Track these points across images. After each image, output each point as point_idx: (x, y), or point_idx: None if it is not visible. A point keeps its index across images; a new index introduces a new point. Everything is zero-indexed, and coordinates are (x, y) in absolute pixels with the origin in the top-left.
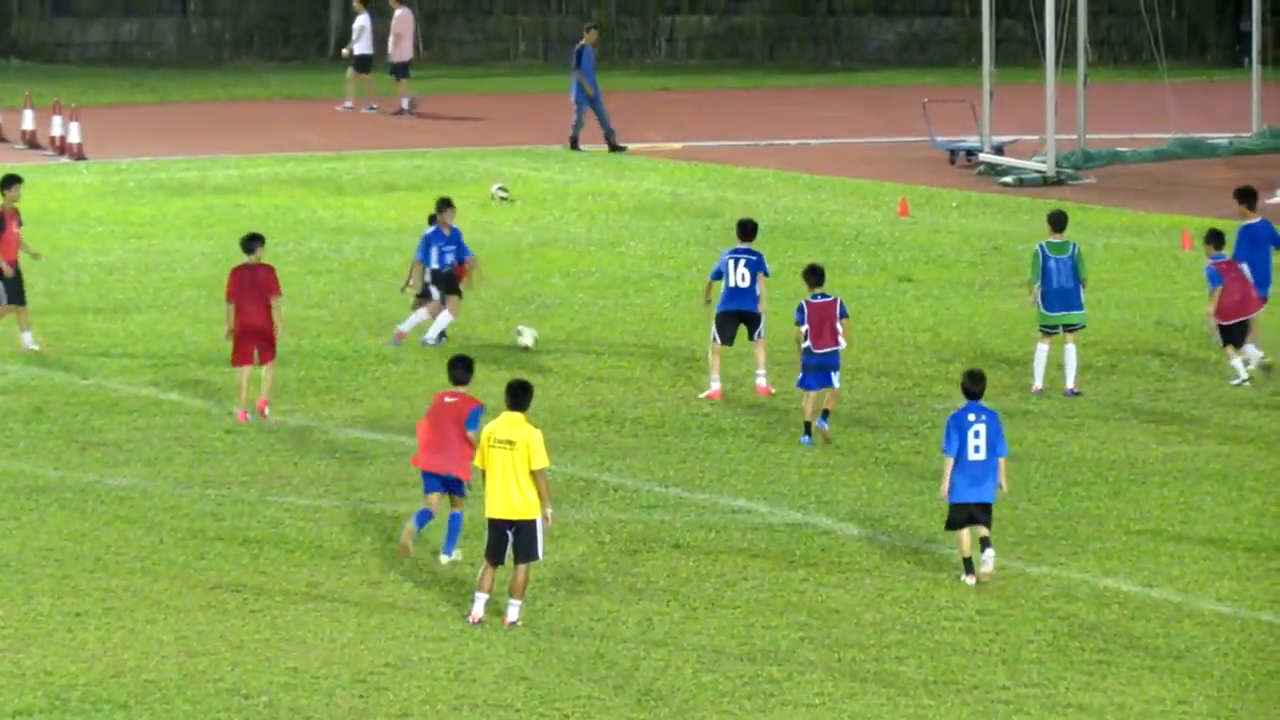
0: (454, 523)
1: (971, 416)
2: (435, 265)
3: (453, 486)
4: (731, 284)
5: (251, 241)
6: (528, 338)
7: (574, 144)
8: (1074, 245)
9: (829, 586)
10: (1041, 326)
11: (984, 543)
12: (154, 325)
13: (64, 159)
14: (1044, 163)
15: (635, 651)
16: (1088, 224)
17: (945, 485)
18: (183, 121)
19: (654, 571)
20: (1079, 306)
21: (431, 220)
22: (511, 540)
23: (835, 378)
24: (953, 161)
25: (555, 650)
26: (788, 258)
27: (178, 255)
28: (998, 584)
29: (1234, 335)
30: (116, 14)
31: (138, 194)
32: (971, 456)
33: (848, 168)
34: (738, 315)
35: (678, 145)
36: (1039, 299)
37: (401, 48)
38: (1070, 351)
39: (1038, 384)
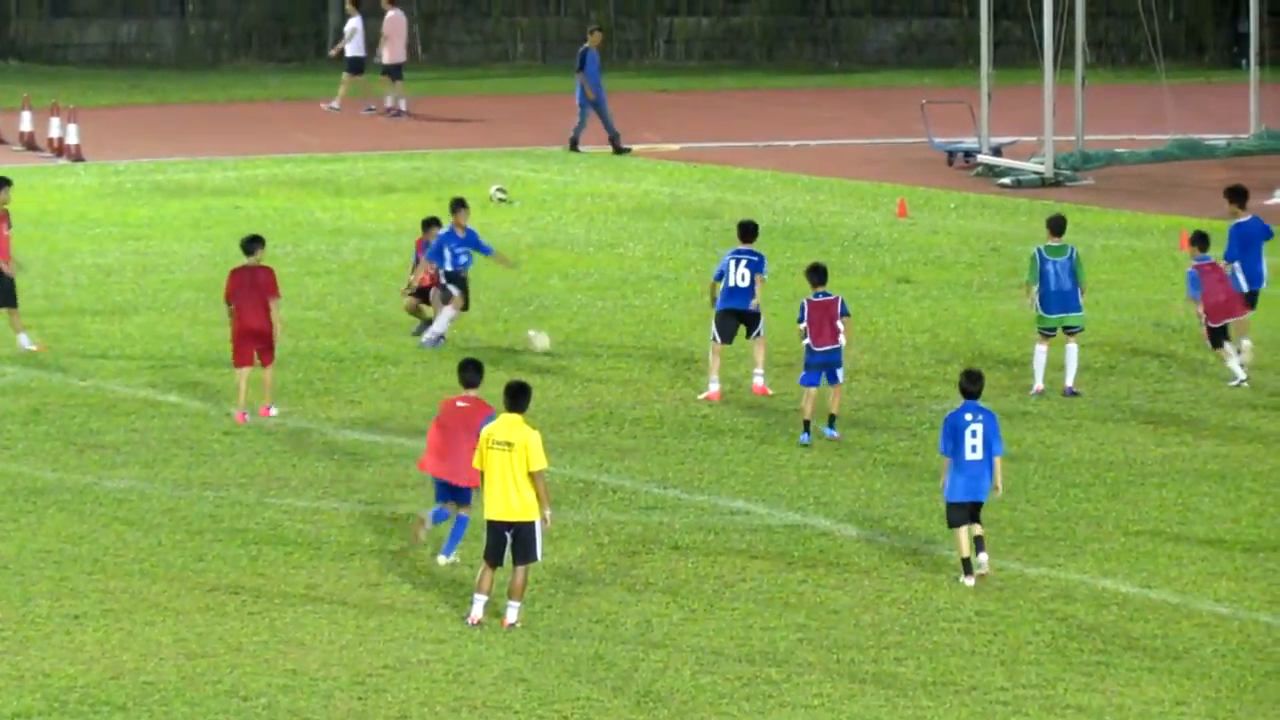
0: (458, 526)
1: (968, 416)
2: (449, 267)
3: (459, 495)
4: (731, 283)
5: (252, 243)
6: (541, 343)
7: (574, 145)
8: (1072, 249)
9: (827, 588)
10: (1040, 329)
11: (978, 542)
12: (152, 327)
13: (62, 160)
14: (1042, 164)
15: (634, 653)
16: (1086, 225)
17: (944, 484)
18: (181, 123)
19: (652, 573)
20: (1077, 309)
21: (425, 224)
22: (510, 542)
23: (839, 374)
24: (951, 163)
25: (554, 652)
26: (786, 259)
27: (176, 257)
28: (996, 585)
29: (1219, 337)
30: (115, 15)
31: (136, 195)
32: (969, 456)
33: (846, 169)
34: (737, 315)
35: (676, 146)
36: (1036, 302)
37: (393, 50)
38: (1071, 351)
39: (1037, 385)
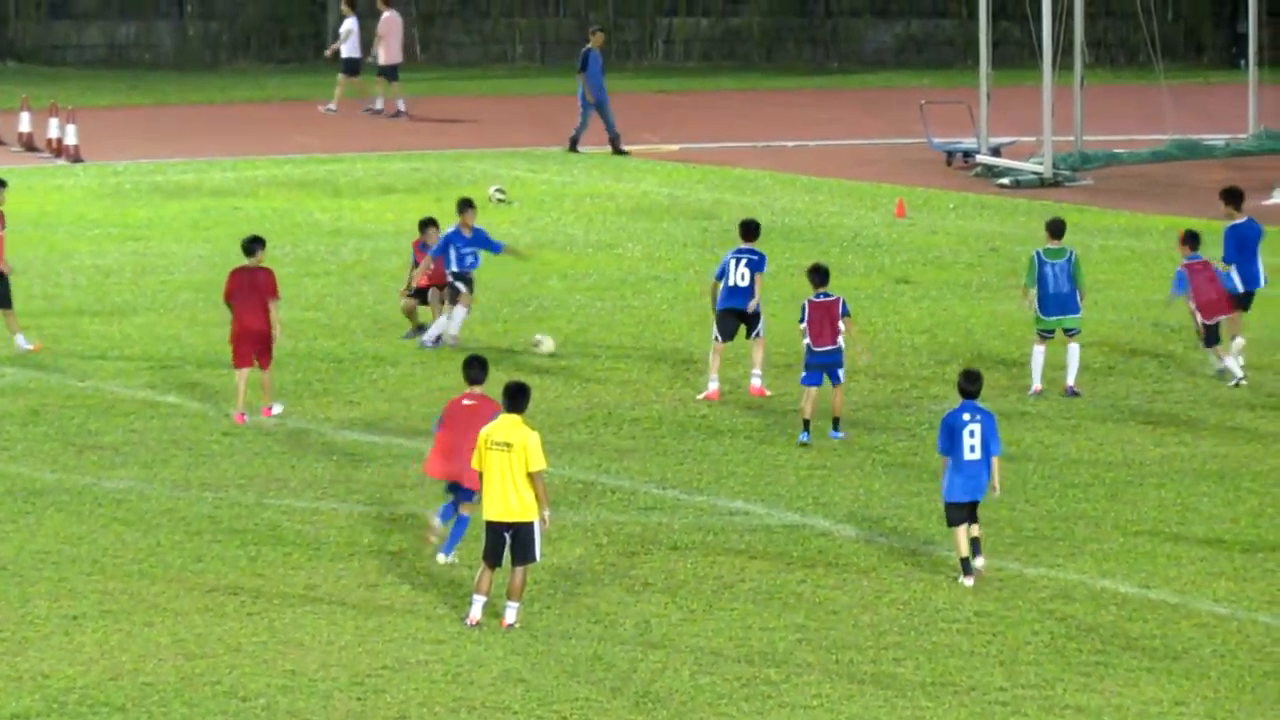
0: (459, 526)
1: (966, 416)
2: (455, 267)
3: (465, 494)
4: (731, 283)
5: (253, 244)
6: (547, 346)
7: (573, 146)
8: (1071, 251)
9: (826, 588)
10: (1038, 330)
11: (974, 545)
12: (151, 328)
13: (61, 161)
14: (1041, 164)
15: (633, 653)
16: (1084, 225)
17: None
18: (180, 124)
19: (651, 573)
20: (1075, 311)
21: (422, 225)
22: (509, 542)
23: (840, 375)
24: (950, 163)
25: (553, 652)
26: (785, 259)
27: (174, 258)
28: (995, 585)
29: (1213, 335)
30: (113, 16)
31: (134, 196)
32: (968, 456)
33: (845, 169)
34: (737, 314)
35: (675, 147)
36: (1034, 304)
37: (389, 51)
38: (1073, 351)
39: (1036, 385)
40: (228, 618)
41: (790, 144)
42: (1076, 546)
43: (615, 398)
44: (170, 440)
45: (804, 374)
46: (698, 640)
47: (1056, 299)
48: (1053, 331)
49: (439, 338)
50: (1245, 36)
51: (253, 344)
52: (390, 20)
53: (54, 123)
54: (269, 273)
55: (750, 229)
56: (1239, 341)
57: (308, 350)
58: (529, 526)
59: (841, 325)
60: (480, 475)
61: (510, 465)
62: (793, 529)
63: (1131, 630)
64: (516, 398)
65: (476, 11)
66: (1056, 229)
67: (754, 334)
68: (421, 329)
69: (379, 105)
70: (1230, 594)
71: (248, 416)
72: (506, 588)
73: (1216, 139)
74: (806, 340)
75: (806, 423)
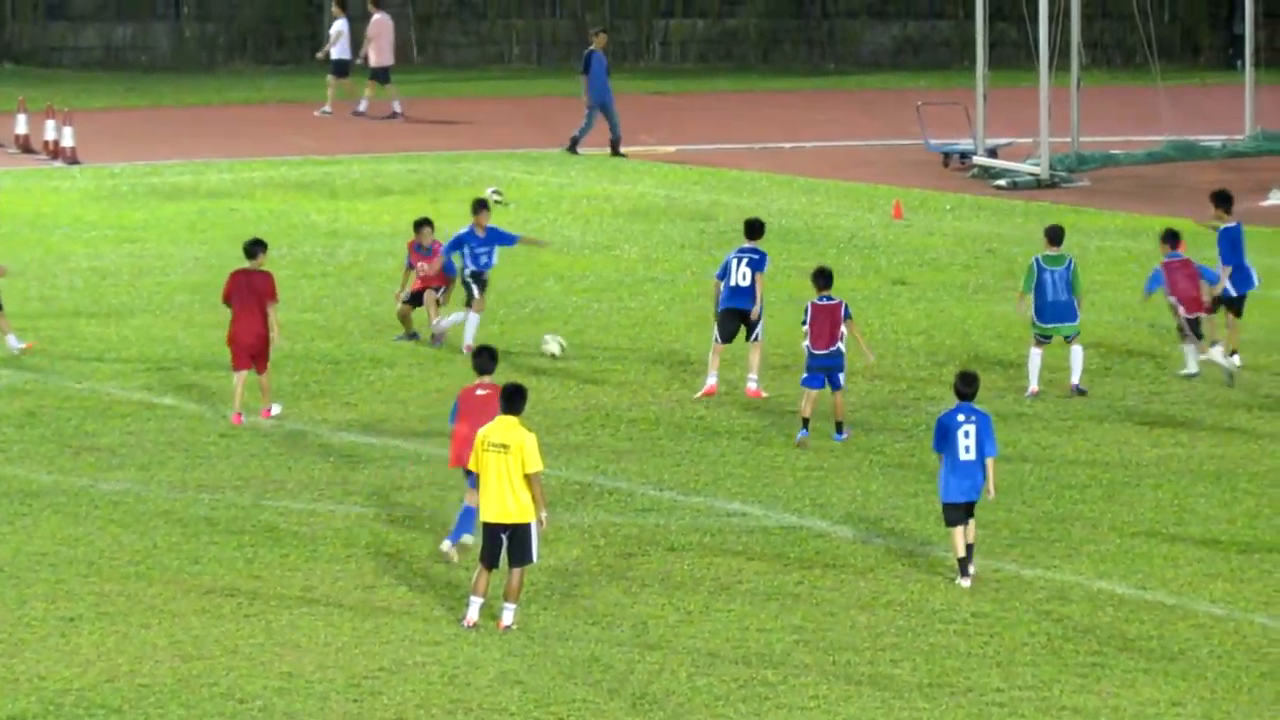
0: (466, 514)
1: (961, 417)
2: (471, 266)
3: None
4: (733, 283)
5: (254, 247)
6: (554, 345)
7: (573, 147)
8: (1070, 259)
9: (824, 589)
10: (1035, 335)
11: (968, 550)
12: (147, 329)
13: (57, 163)
14: (1038, 165)
15: (630, 655)
16: (1081, 226)
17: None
18: (176, 126)
19: (649, 574)
20: (1073, 318)
21: (416, 226)
22: (506, 544)
23: (840, 378)
24: (946, 164)
25: (550, 654)
26: (782, 261)
27: (171, 259)
28: (992, 587)
29: (1195, 329)
30: (110, 18)
31: (131, 198)
32: (963, 457)
33: (842, 171)
34: (738, 314)
35: (672, 148)
36: (1029, 310)
37: (380, 53)
38: (1076, 352)
39: (1032, 387)
40: (225, 619)
41: (787, 145)
42: (1073, 547)
43: (612, 399)
44: (167, 442)
45: (804, 376)
46: (695, 641)
47: (1054, 307)
48: (1050, 336)
49: (438, 337)
50: (1242, 38)
51: (249, 347)
52: (380, 22)
53: (50, 124)
54: (268, 276)
55: (754, 228)
56: (1219, 347)
57: (305, 352)
58: (526, 528)
59: (843, 329)
60: (476, 476)
61: (507, 466)
62: (790, 530)
63: (1128, 631)
64: (514, 399)
65: (473, 13)
66: (1056, 236)
67: (752, 337)
68: (414, 335)
69: (363, 107)
70: (1227, 595)
71: (245, 418)
72: (503, 589)
73: (1213, 140)
74: (806, 342)
75: (805, 421)
